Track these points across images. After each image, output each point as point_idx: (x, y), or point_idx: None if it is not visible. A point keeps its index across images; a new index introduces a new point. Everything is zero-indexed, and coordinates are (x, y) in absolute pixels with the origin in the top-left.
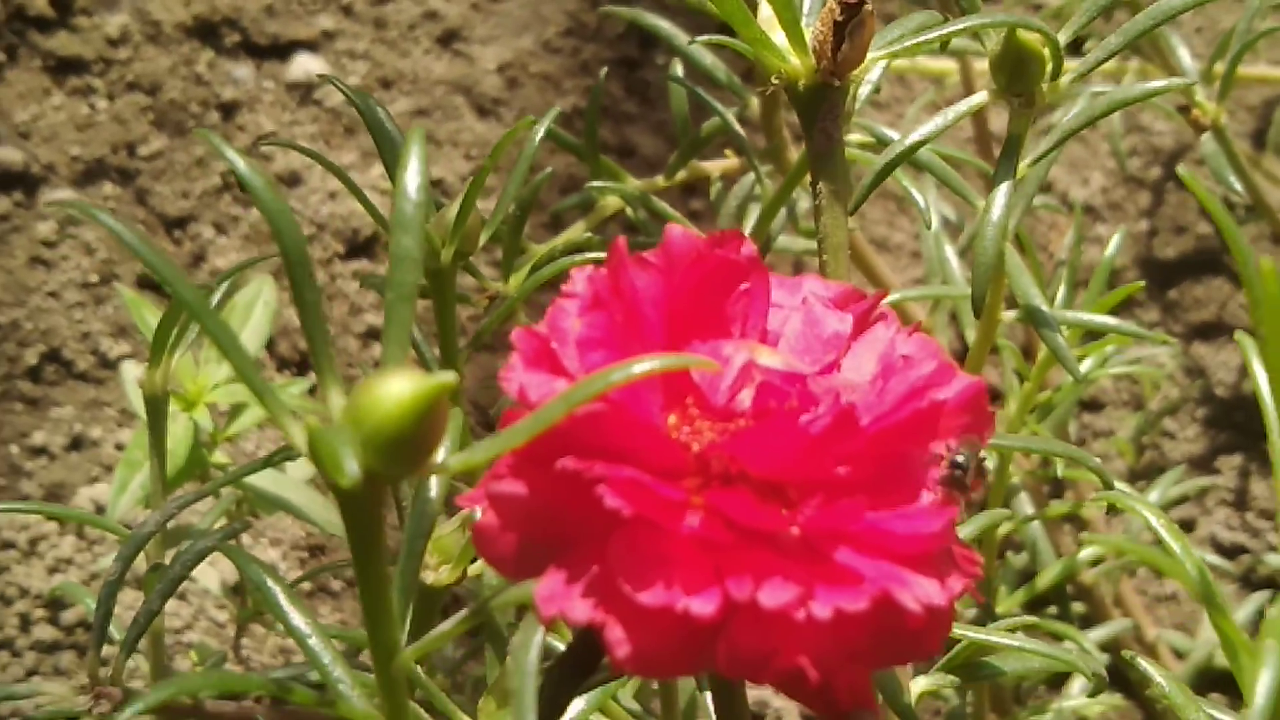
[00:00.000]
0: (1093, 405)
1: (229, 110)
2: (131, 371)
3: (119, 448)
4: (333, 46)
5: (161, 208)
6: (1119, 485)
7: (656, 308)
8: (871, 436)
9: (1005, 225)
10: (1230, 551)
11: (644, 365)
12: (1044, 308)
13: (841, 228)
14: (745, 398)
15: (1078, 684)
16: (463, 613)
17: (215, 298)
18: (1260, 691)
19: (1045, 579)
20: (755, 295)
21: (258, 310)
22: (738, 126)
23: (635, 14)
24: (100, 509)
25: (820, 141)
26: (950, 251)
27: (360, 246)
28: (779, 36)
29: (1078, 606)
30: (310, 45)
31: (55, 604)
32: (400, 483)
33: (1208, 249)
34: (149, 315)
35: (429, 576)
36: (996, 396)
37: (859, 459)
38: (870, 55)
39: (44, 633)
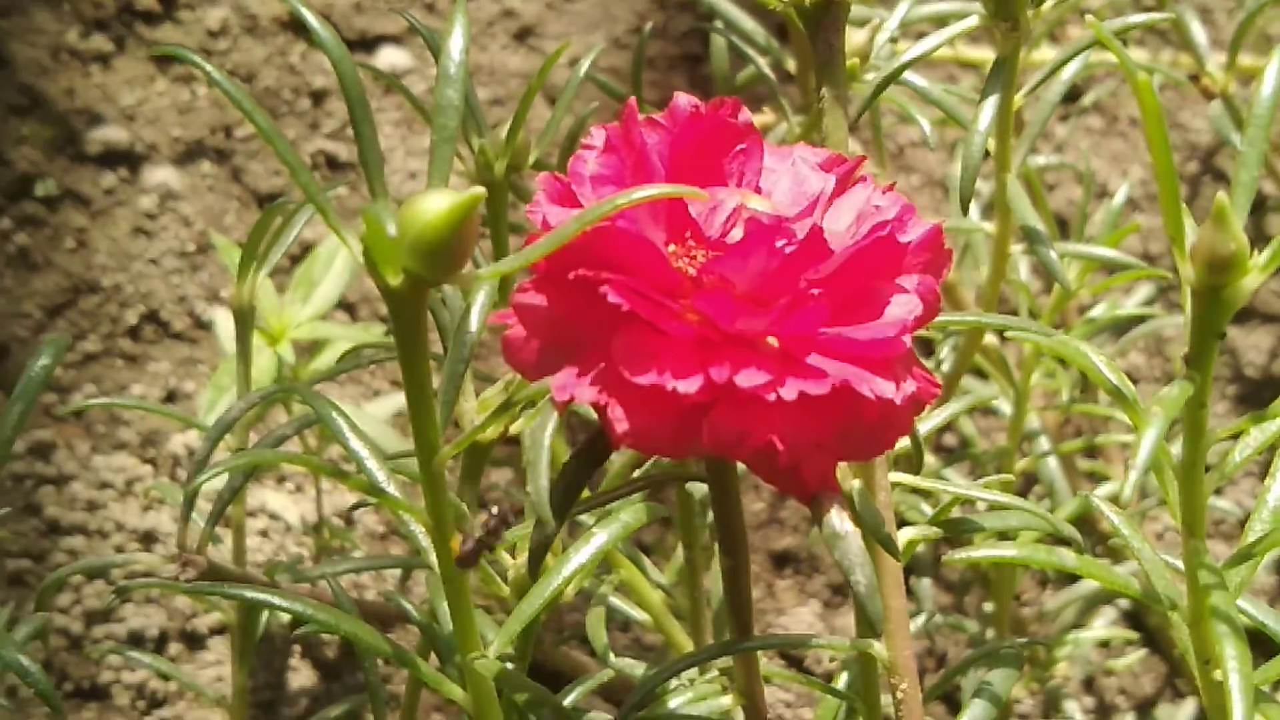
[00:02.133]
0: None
1: (319, 97)
2: (225, 320)
3: None
4: (416, 40)
5: (255, 185)
6: None
7: (662, 159)
8: (841, 265)
9: (988, 133)
10: None
11: (646, 191)
12: (1039, 227)
13: (841, 128)
14: (736, 234)
15: (1100, 619)
16: (495, 410)
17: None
18: (1144, 447)
19: (1060, 515)
20: (750, 156)
21: (339, 261)
22: (769, 71)
23: None
24: (191, 452)
25: (823, 50)
26: (975, 213)
27: None
28: None
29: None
30: (395, 39)
31: (148, 538)
32: (439, 285)
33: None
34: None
35: None
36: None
37: (831, 285)
38: None
39: (137, 565)
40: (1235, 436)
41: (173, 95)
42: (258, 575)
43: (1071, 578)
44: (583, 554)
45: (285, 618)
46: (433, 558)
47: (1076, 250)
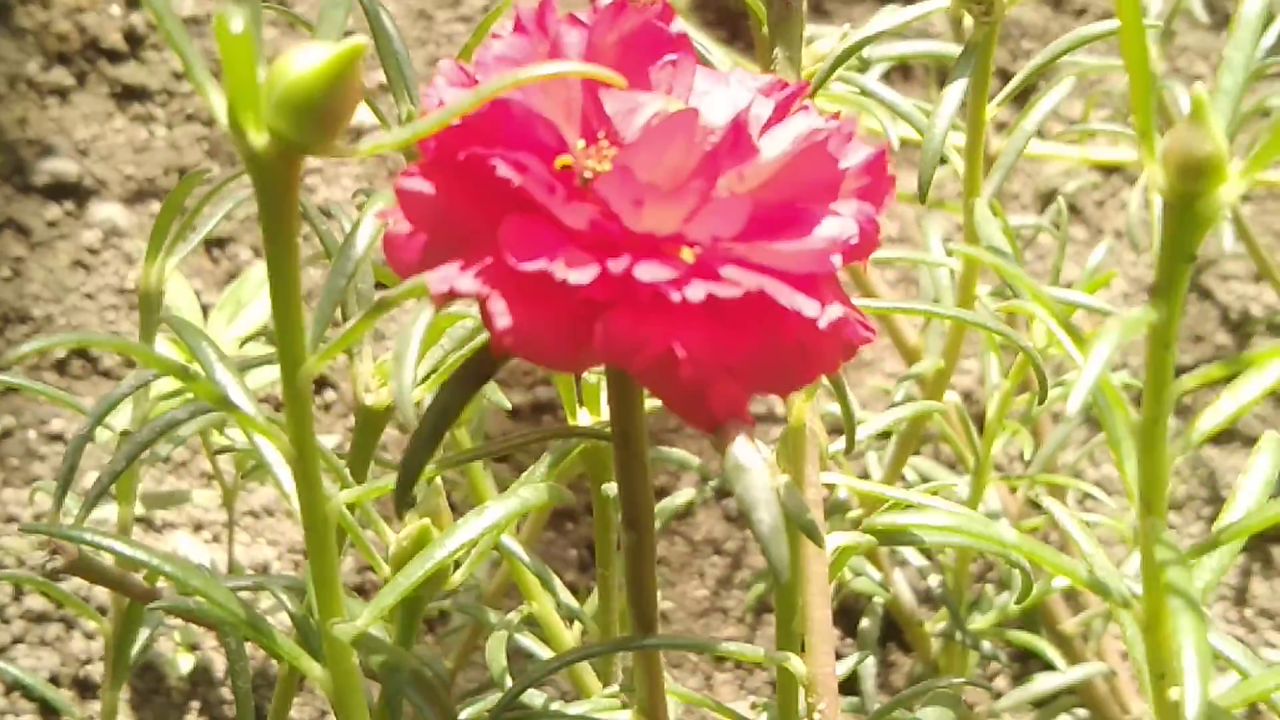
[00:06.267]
0: (1099, 488)
1: None
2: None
3: None
4: (386, 99)
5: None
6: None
7: (579, 57)
8: (769, 178)
9: (951, 118)
10: None
11: (554, 66)
12: (1006, 248)
13: None
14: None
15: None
16: (362, 314)
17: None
18: (1093, 360)
19: (1014, 602)
20: (681, 70)
21: None
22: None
23: None
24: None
25: (779, 9)
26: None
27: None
28: None
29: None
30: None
31: (49, 576)
32: (312, 153)
33: (1225, 358)
34: None
35: (370, 398)
36: (979, 405)
37: (756, 199)
38: None
39: (35, 603)
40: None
41: (129, 134)
42: (137, 580)
43: (1026, 679)
44: (473, 527)
45: (185, 670)
46: (294, 499)
47: (1049, 293)
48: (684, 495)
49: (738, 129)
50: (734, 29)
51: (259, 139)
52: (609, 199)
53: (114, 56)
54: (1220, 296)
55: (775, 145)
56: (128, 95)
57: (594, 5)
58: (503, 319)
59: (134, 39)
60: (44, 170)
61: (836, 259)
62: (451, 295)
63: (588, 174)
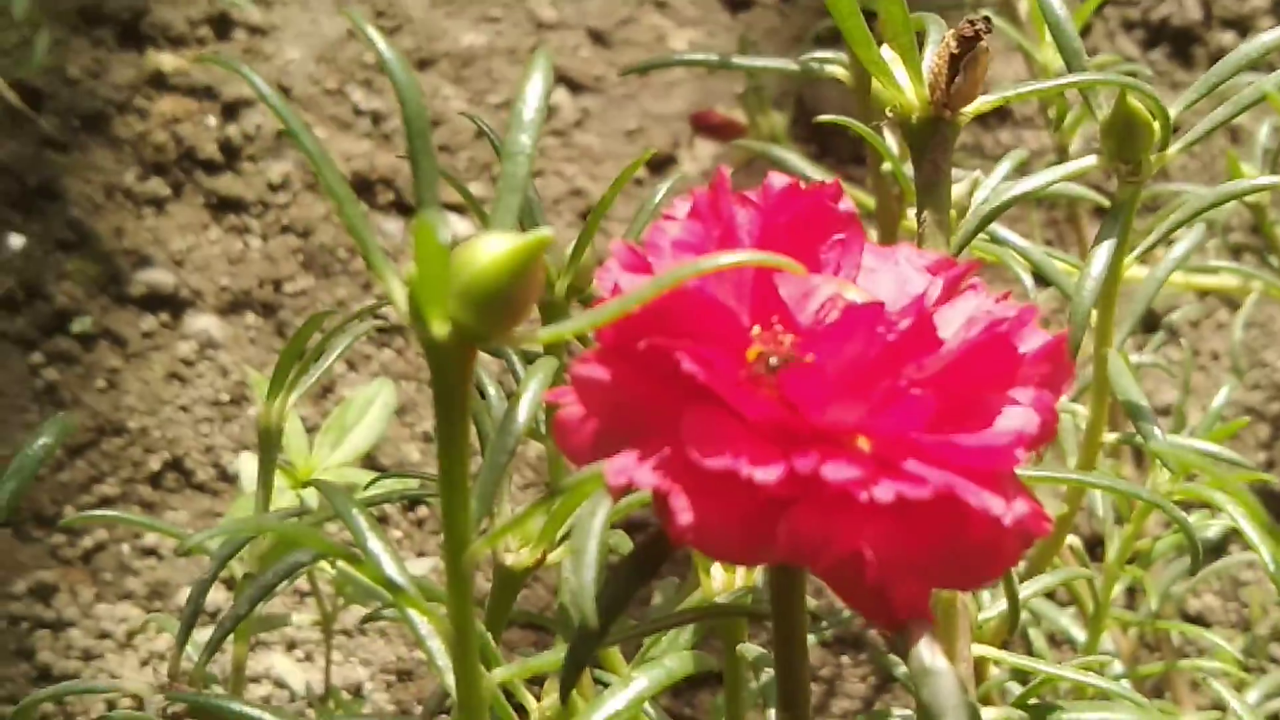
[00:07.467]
0: (1197, 622)
1: None
2: (249, 466)
3: None
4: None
5: None
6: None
7: (751, 238)
8: (947, 366)
9: (1102, 279)
10: None
11: (737, 255)
12: (1143, 403)
13: (943, 254)
14: (829, 321)
15: None
16: (538, 500)
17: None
18: None
19: None
20: (849, 248)
21: (374, 409)
22: None
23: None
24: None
25: (929, 171)
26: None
27: None
28: (898, 71)
29: None
30: (459, 209)
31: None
32: (492, 343)
33: None
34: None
35: (509, 559)
36: (1095, 543)
37: (934, 387)
38: (978, 101)
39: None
40: None
41: (225, 245)
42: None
43: None
44: (619, 699)
45: None
46: (450, 677)
47: (1180, 443)
48: None
49: (922, 322)
50: (824, 145)
51: (441, 329)
52: (795, 395)
53: (210, 167)
54: None
55: (948, 327)
56: (223, 206)
57: (765, 186)
58: (684, 515)
59: (230, 150)
60: (140, 281)
61: (1020, 454)
62: (629, 486)
63: (774, 363)
